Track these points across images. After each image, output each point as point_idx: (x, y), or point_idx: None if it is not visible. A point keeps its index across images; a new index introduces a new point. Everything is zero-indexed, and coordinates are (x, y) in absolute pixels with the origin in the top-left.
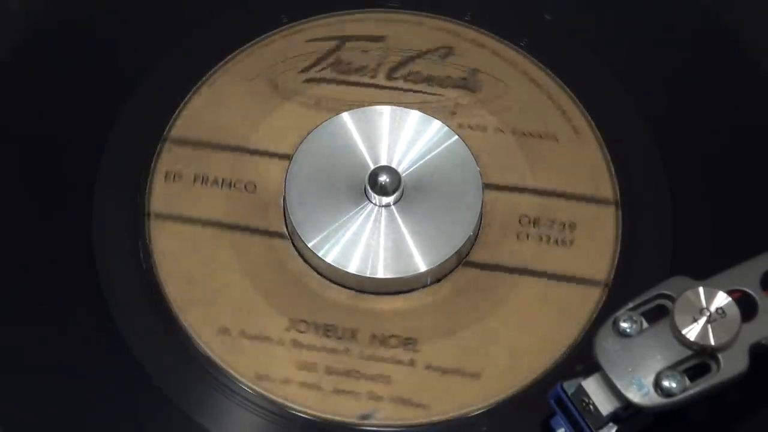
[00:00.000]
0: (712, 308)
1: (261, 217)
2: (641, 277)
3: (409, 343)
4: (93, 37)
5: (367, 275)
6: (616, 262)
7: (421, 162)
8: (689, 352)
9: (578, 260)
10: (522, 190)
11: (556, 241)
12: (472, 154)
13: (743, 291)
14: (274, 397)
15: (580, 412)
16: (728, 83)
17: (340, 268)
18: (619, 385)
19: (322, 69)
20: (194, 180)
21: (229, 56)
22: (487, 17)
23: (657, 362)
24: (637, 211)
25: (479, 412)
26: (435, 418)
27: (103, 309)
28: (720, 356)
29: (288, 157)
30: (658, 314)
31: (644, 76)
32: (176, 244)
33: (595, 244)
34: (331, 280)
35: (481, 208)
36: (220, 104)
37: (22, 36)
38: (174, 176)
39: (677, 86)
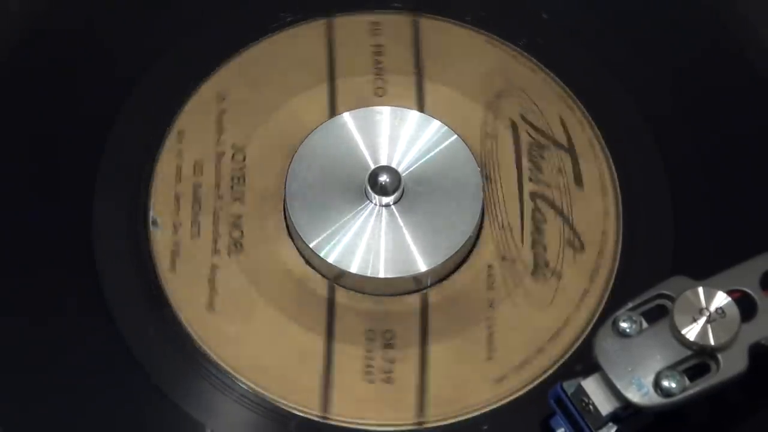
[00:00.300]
0: (712, 308)
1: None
2: (641, 277)
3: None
4: (92, 36)
5: (368, 275)
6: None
7: (421, 162)
8: (689, 352)
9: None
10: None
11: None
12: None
13: (743, 291)
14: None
15: (579, 412)
16: (728, 83)
17: (341, 268)
18: (619, 385)
19: None
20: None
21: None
22: (487, 17)
23: (657, 362)
24: (637, 211)
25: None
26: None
27: (103, 309)
28: (719, 356)
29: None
30: (658, 314)
31: (644, 76)
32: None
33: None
34: (331, 280)
35: (482, 208)
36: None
37: (21, 35)
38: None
39: (677, 86)
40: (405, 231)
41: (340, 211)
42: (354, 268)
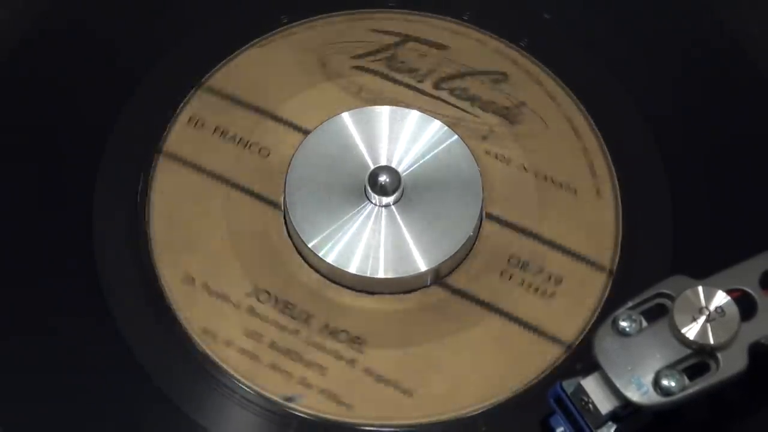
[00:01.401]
0: (712, 307)
1: (263, 183)
2: (641, 277)
3: (356, 342)
4: (92, 36)
5: (368, 275)
6: (589, 325)
7: (421, 162)
8: (688, 351)
9: (552, 315)
10: (522, 230)
11: (537, 290)
12: (482, 177)
13: (742, 290)
14: (211, 355)
15: (579, 411)
16: (728, 83)
17: (340, 268)
18: (618, 384)
19: (375, 60)
20: (214, 131)
21: (288, 25)
22: (487, 17)
23: (656, 361)
24: (638, 211)
25: (403, 427)
26: (355, 420)
27: (103, 309)
28: (719, 355)
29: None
30: (657, 313)
31: (644, 77)
32: (175, 186)
33: (574, 305)
34: (331, 280)
35: (482, 208)
36: (264, 66)
37: (21, 35)
38: (196, 123)
39: (677, 86)
40: (405, 231)
41: (339, 211)
42: (353, 268)
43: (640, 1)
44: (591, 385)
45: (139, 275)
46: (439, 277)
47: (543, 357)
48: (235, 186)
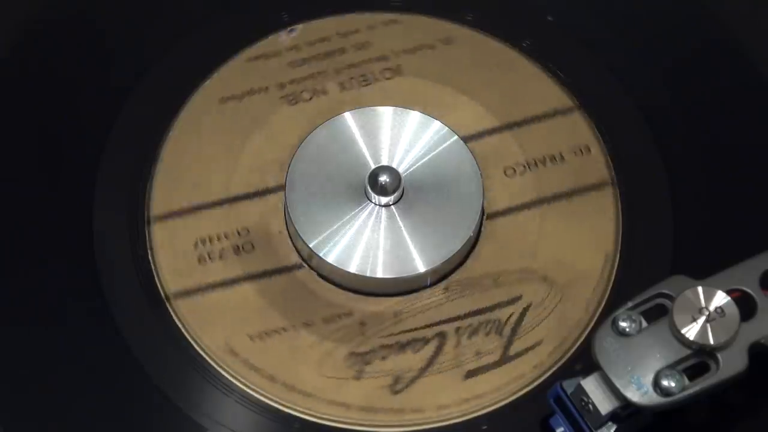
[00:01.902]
0: (712, 307)
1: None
2: (641, 277)
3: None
4: (92, 36)
5: (367, 275)
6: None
7: (421, 162)
8: (688, 352)
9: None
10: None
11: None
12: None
13: (742, 290)
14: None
15: (579, 411)
16: (728, 83)
17: (340, 268)
18: (618, 384)
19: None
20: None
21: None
22: (490, 17)
23: (656, 361)
24: (637, 211)
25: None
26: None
27: (103, 308)
28: (719, 355)
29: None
30: (657, 314)
31: (644, 76)
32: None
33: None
34: (330, 281)
35: (482, 208)
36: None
37: (23, 35)
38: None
39: (677, 86)
40: (404, 231)
41: (339, 211)
42: (353, 268)
43: (641, 2)
44: (591, 385)
45: (139, 278)
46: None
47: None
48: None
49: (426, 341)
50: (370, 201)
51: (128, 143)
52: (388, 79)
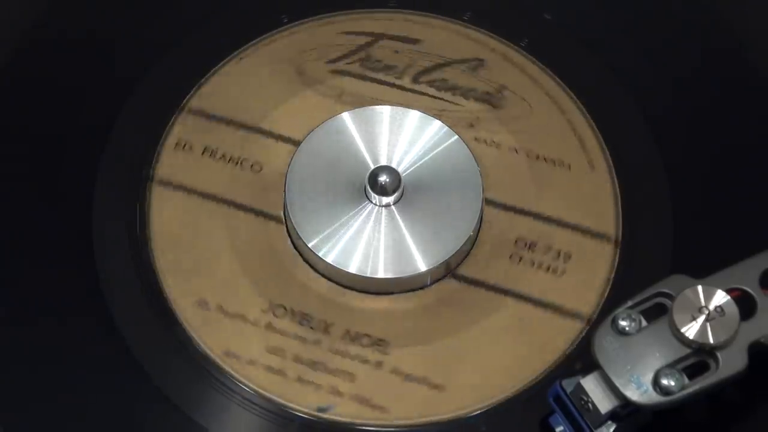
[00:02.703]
0: (711, 307)
1: (261, 198)
2: (641, 276)
3: (379, 344)
4: (93, 36)
5: (368, 275)
6: (605, 297)
7: (421, 162)
8: (688, 351)
9: (567, 291)
10: (524, 212)
11: (548, 269)
12: (480, 169)
13: (742, 289)
14: (237, 376)
15: (578, 410)
16: (728, 83)
17: (340, 268)
18: (618, 383)
19: (351, 63)
20: (203, 152)
21: (261, 37)
22: (488, 17)
23: (656, 360)
24: (637, 210)
25: (440, 422)
26: (392, 422)
27: (103, 309)
28: (719, 355)
29: (298, 144)
30: (657, 313)
31: (645, 77)
32: (173, 212)
33: (587, 279)
34: (330, 280)
35: (481, 208)
36: (242, 82)
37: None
38: (184, 145)
39: (678, 86)
40: (405, 231)
41: (339, 211)
42: (353, 268)
43: (641, 2)
44: (590, 384)
45: (139, 278)
46: (449, 269)
47: (565, 334)
48: (233, 204)
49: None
50: (370, 201)
51: (118, 174)
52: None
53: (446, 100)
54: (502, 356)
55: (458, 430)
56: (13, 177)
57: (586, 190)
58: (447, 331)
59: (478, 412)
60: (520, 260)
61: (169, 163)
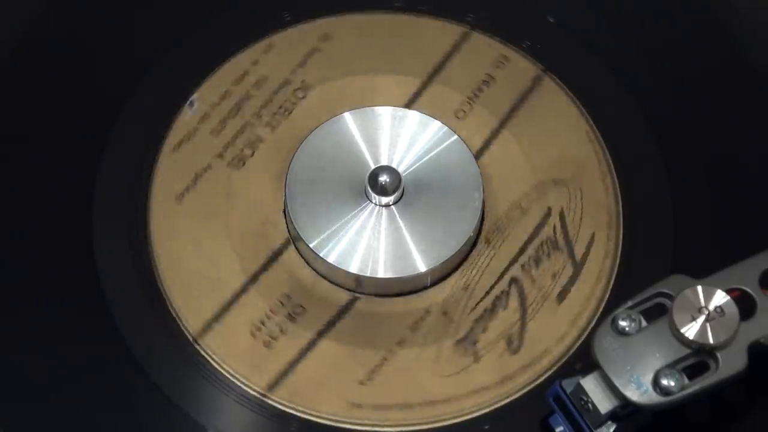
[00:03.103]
0: (711, 307)
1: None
2: (641, 276)
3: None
4: (94, 35)
5: (368, 275)
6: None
7: (421, 162)
8: (688, 351)
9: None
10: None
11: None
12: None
13: (742, 290)
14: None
15: (578, 410)
16: (728, 84)
17: (341, 268)
18: (618, 383)
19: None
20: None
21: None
22: (489, 19)
23: (656, 360)
24: (637, 210)
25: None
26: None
27: (103, 309)
28: (719, 355)
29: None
30: (657, 313)
31: (645, 77)
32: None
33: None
34: (330, 281)
35: (482, 208)
36: None
37: (23, 35)
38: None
39: (678, 87)
40: (405, 231)
41: (340, 211)
42: (354, 268)
43: (641, 3)
44: (590, 384)
45: (139, 278)
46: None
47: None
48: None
49: (506, 293)
50: (370, 201)
51: (128, 142)
52: (302, 98)
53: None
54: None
55: (495, 417)
56: (13, 177)
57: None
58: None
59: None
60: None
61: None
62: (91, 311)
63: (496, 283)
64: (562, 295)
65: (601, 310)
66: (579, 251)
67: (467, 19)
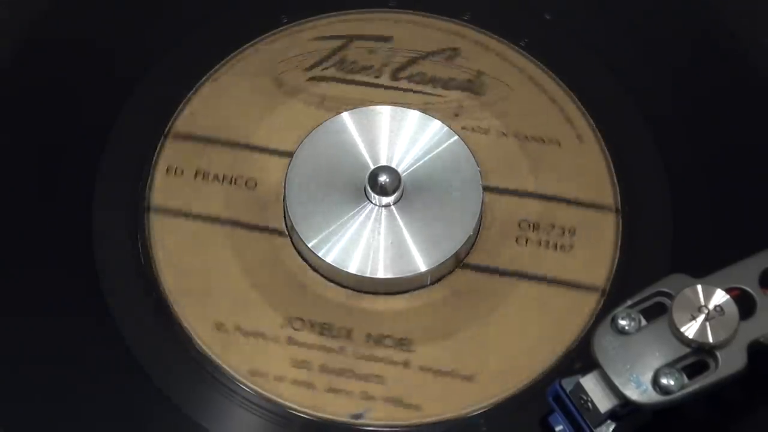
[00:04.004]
0: (711, 306)
1: (260, 214)
2: (641, 276)
3: (403, 343)
4: (93, 36)
5: (367, 275)
6: (615, 267)
7: (421, 162)
8: (687, 350)
9: (577, 266)
10: (523, 194)
11: (555, 246)
12: (474, 156)
13: (742, 289)
14: (266, 394)
15: (578, 409)
16: (728, 84)
17: (340, 268)
18: (617, 382)
19: (327, 68)
20: (195, 175)
21: (233, 54)
22: (487, 16)
23: (655, 360)
24: (638, 211)
25: (474, 413)
26: (428, 419)
27: (103, 309)
28: (718, 354)
29: (289, 155)
30: (657, 312)
31: (645, 77)
32: (175, 238)
33: (595, 251)
34: (330, 280)
35: (481, 208)
36: (223, 100)
37: (24, 35)
38: (175, 171)
39: (678, 86)
40: (404, 231)
41: (339, 211)
42: (353, 269)
43: (641, 2)
44: (590, 383)
45: (139, 277)
46: (460, 259)
47: (583, 308)
48: (234, 224)
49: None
50: (370, 201)
51: (130, 138)
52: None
53: (428, 93)
54: (524, 339)
55: (494, 417)
56: (13, 177)
57: (580, 163)
58: (467, 321)
59: (511, 395)
60: (526, 242)
61: (163, 190)
62: (90, 311)
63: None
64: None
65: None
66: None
67: (464, 18)
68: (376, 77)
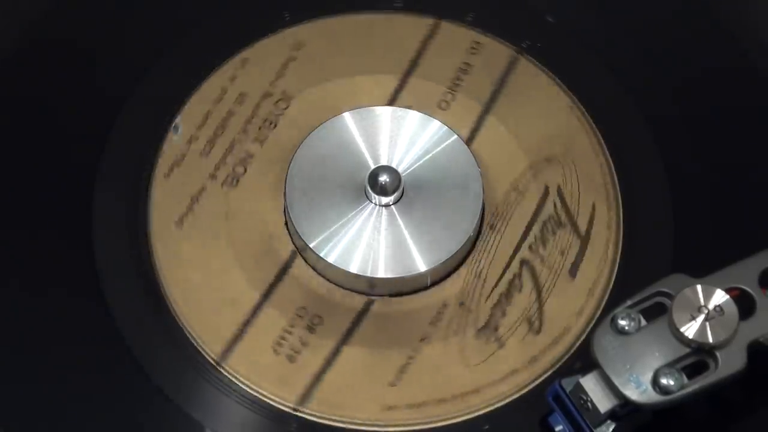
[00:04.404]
0: (711, 306)
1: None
2: (641, 276)
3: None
4: (93, 36)
5: (368, 275)
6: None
7: (421, 162)
8: (687, 350)
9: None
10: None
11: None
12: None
13: (741, 289)
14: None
15: (578, 409)
16: (728, 84)
17: (341, 268)
18: (617, 382)
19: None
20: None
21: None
22: (488, 18)
23: (655, 360)
24: (637, 210)
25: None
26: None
27: (103, 309)
28: (718, 354)
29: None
30: (657, 312)
31: (645, 77)
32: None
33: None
34: (331, 281)
35: (482, 208)
36: None
37: (24, 35)
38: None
39: (678, 87)
40: (405, 231)
41: (340, 211)
42: (354, 268)
43: (641, 3)
44: (590, 383)
45: (139, 277)
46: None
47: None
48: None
49: (519, 276)
50: (370, 201)
51: (128, 140)
52: (285, 108)
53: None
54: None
55: (495, 417)
56: (13, 177)
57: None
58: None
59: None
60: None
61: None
62: (90, 311)
63: (507, 267)
64: (573, 270)
65: (614, 277)
66: (582, 224)
67: (467, 19)
68: None
